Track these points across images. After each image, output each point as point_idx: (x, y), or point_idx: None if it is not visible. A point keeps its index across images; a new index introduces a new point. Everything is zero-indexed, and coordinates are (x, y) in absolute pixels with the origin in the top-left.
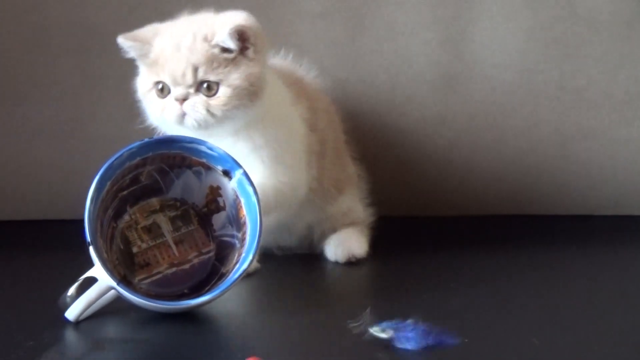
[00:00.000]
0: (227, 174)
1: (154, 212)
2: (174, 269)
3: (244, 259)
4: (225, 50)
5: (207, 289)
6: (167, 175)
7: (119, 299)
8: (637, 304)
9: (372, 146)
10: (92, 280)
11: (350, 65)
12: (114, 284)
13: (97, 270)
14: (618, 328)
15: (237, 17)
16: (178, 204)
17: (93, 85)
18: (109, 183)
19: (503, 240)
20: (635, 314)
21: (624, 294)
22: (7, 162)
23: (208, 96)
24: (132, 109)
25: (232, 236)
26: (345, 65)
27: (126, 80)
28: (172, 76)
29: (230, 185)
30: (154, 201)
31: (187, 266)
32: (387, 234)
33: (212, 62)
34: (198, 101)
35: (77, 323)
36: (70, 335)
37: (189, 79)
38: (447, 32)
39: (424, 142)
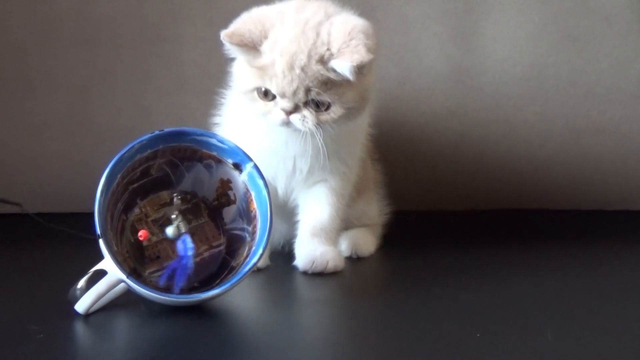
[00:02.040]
0: (237, 167)
1: (165, 205)
2: None
3: (254, 253)
4: (337, 73)
5: (217, 282)
6: (178, 168)
7: (128, 291)
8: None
9: (382, 140)
10: (102, 273)
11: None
12: (123, 276)
13: (107, 263)
14: (630, 322)
15: (359, 51)
16: (188, 197)
17: (103, 79)
18: (119, 176)
19: (513, 234)
20: (636, 309)
21: (635, 288)
22: (17, 155)
23: (317, 111)
24: (141, 102)
25: (243, 229)
26: None
27: (135, 74)
28: (281, 91)
29: (241, 179)
30: (165, 194)
31: (197, 259)
32: (398, 228)
33: (326, 83)
34: (308, 116)
35: (87, 316)
36: (80, 328)
37: (301, 97)
38: (458, 26)
39: (434, 135)
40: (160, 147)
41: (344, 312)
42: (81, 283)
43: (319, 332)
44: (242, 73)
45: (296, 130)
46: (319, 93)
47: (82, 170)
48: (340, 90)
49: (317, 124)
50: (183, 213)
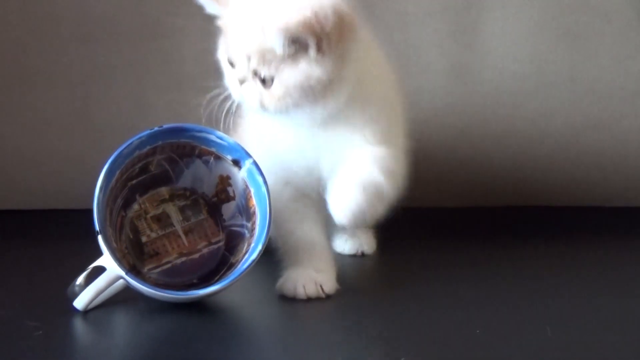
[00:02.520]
0: (236, 163)
1: (164, 201)
2: (183, 259)
3: (253, 249)
4: (282, 47)
5: (216, 278)
6: (177, 165)
7: (127, 288)
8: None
9: None
10: (101, 270)
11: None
12: (122, 273)
13: (106, 260)
14: (629, 318)
15: (298, 13)
16: (188, 193)
17: (102, 75)
18: (118, 172)
19: (513, 231)
20: (637, 305)
21: (635, 284)
22: (16, 151)
23: (264, 87)
24: (140, 98)
25: (242, 226)
26: None
27: (135, 70)
28: (230, 56)
29: (240, 175)
30: (164, 190)
31: (196, 256)
32: (396, 225)
33: (264, 55)
34: (252, 89)
35: (86, 312)
36: (79, 324)
37: (243, 66)
38: (458, 22)
39: (434, 132)
40: (159, 143)
41: (343, 308)
42: (80, 279)
43: (320, 327)
44: (220, 42)
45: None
46: (257, 64)
47: (81, 166)
48: (280, 66)
49: (261, 101)
50: (182, 209)
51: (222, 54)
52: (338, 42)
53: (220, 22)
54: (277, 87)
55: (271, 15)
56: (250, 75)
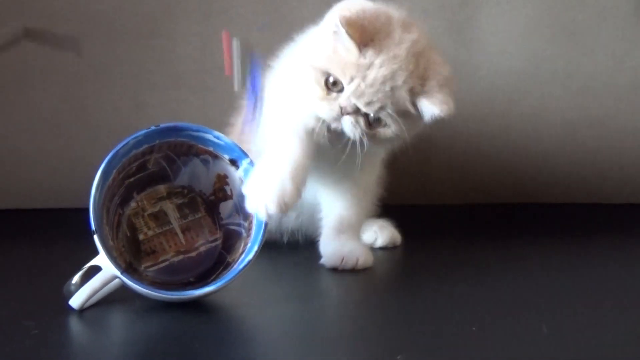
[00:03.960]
0: (234, 162)
1: (161, 199)
2: (180, 257)
3: (250, 249)
4: (417, 109)
5: (212, 278)
6: (174, 163)
7: (123, 287)
8: (635, 292)
9: None
10: (97, 269)
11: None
12: (117, 272)
13: (101, 259)
14: (626, 315)
15: (449, 102)
16: (185, 191)
17: (98, 74)
18: (115, 171)
19: (509, 228)
20: (632, 302)
21: (632, 281)
22: (13, 151)
23: (371, 125)
24: (137, 97)
25: (239, 225)
26: None
27: (131, 69)
28: (359, 94)
29: (237, 174)
30: (161, 188)
31: (193, 254)
32: (393, 223)
33: (399, 110)
34: (360, 124)
35: (82, 311)
36: (75, 323)
37: (371, 109)
38: (453, 19)
39: (430, 129)
40: (157, 142)
41: (341, 307)
42: (76, 278)
43: (316, 326)
44: (324, 51)
45: (337, 134)
46: (388, 114)
47: (78, 165)
48: (404, 120)
49: (364, 135)
50: (179, 207)
51: (319, 65)
52: None
53: (347, 53)
54: (385, 133)
55: (422, 84)
56: (361, 112)
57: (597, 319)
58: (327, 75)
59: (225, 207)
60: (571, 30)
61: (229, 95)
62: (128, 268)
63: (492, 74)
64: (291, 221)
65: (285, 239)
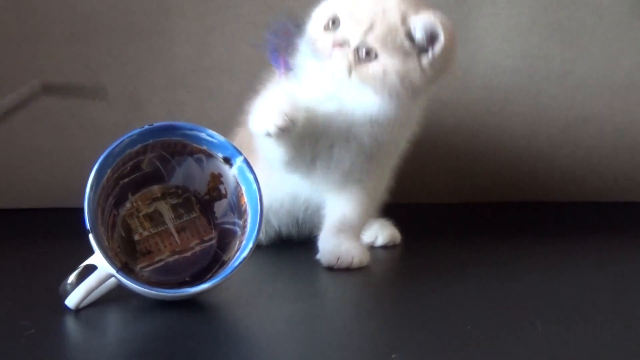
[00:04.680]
0: (227, 161)
1: (156, 199)
2: (175, 257)
3: (245, 247)
4: (409, 39)
5: (208, 276)
6: (169, 163)
7: (119, 286)
8: (638, 290)
9: None
10: (92, 268)
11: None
12: (113, 271)
13: (97, 258)
14: (621, 314)
15: (443, 17)
16: (180, 191)
17: (94, 73)
18: (109, 170)
19: (504, 227)
20: (637, 300)
21: (626, 281)
22: (7, 150)
23: (359, 60)
24: (133, 96)
25: (234, 223)
26: None
27: (127, 68)
28: (351, 20)
29: (231, 173)
30: (156, 189)
31: (188, 254)
32: (391, 221)
33: (387, 34)
34: (349, 56)
35: (77, 311)
36: (71, 323)
37: (352, 33)
38: (450, 18)
39: (425, 128)
40: (150, 141)
41: (337, 305)
42: (71, 278)
43: (312, 324)
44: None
45: (332, 78)
46: (380, 43)
47: (73, 165)
48: (399, 56)
49: (350, 69)
50: (174, 207)
51: (326, 10)
52: (446, 63)
53: None
54: (375, 66)
55: (413, 5)
56: (354, 44)
57: (594, 317)
58: (331, 17)
59: (220, 206)
60: (567, 29)
61: (226, 94)
62: (124, 268)
63: (488, 73)
64: (301, 212)
65: (293, 232)
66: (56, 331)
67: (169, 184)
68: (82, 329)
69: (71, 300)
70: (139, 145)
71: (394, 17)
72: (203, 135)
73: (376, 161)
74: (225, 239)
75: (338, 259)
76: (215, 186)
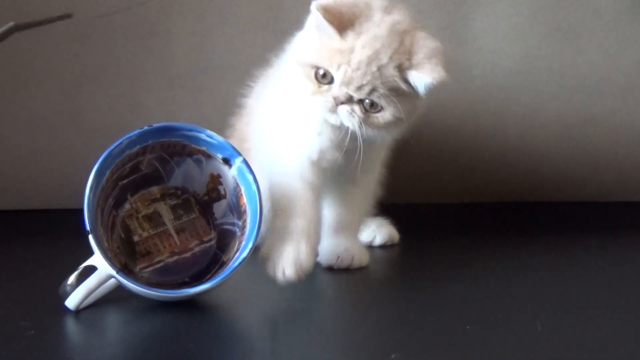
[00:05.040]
0: (227, 162)
1: (155, 200)
2: (175, 258)
3: (245, 247)
4: (409, 84)
5: (207, 277)
6: (168, 164)
7: (119, 287)
8: (637, 290)
9: None
10: (92, 269)
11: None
12: (113, 272)
13: (97, 259)
14: (618, 313)
15: (439, 70)
16: (179, 192)
17: (93, 74)
18: (108, 172)
19: (504, 226)
20: (635, 299)
21: (625, 280)
22: (7, 151)
23: (367, 112)
24: (132, 97)
25: (233, 224)
26: None
27: (126, 69)
28: (348, 80)
29: (231, 173)
30: (155, 190)
31: (188, 254)
32: (390, 221)
33: (391, 89)
34: (357, 111)
35: (78, 312)
36: (71, 324)
37: (363, 94)
38: (448, 18)
39: (425, 128)
40: (150, 142)
41: (337, 305)
42: (71, 279)
43: (311, 324)
44: (309, 46)
45: (336, 124)
46: (381, 96)
47: (73, 166)
48: (399, 100)
49: (362, 123)
50: (173, 208)
51: (310, 60)
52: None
53: (331, 40)
54: (384, 116)
55: (410, 59)
56: (355, 99)
57: (592, 316)
58: (316, 69)
59: (219, 207)
60: (566, 29)
61: (224, 95)
62: (123, 269)
63: (487, 73)
64: None
65: None
66: (56, 332)
67: (168, 185)
68: (82, 330)
69: (71, 301)
70: (138, 147)
71: (391, 73)
72: (202, 136)
73: (367, 158)
74: (225, 240)
75: (338, 258)
76: (215, 187)
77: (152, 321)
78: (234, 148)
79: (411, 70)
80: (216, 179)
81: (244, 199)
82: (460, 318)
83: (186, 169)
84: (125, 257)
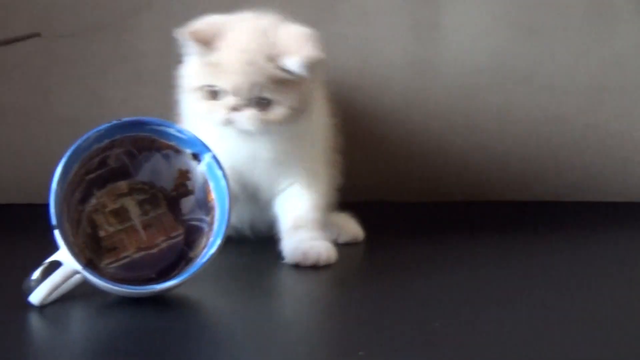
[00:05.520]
0: (196, 157)
1: (122, 195)
2: (141, 253)
3: (212, 244)
4: (289, 72)
5: (174, 273)
6: (136, 159)
7: (84, 283)
8: (599, 288)
9: (341, 131)
10: (57, 264)
11: (321, 50)
12: (79, 267)
13: (62, 254)
14: (579, 311)
15: (308, 49)
16: (146, 187)
17: (59, 68)
18: (76, 166)
19: (472, 225)
20: (597, 298)
21: (589, 277)
22: None
23: (260, 110)
24: (99, 92)
25: (201, 220)
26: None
27: (93, 64)
28: (233, 86)
29: (200, 169)
30: (122, 184)
31: (155, 250)
32: (358, 219)
33: (275, 82)
34: (251, 115)
35: (42, 307)
36: (35, 319)
37: (251, 94)
38: (417, 16)
39: (394, 127)
40: (118, 136)
41: (304, 303)
42: (36, 274)
43: (279, 322)
44: (192, 72)
45: (240, 131)
46: (266, 90)
47: (39, 160)
48: (286, 89)
49: (261, 121)
50: (141, 204)
51: (197, 83)
52: (321, 65)
53: (206, 59)
54: (278, 110)
55: (279, 47)
56: (247, 102)
57: (560, 314)
58: (204, 88)
59: (187, 203)
60: (534, 29)
61: None
62: (89, 264)
63: (456, 72)
64: (247, 215)
65: (248, 232)
66: (20, 328)
67: (136, 179)
68: (46, 326)
69: (36, 297)
70: (107, 141)
71: (268, 67)
72: (172, 130)
73: (297, 143)
74: (192, 236)
75: (304, 255)
76: (183, 182)
77: (118, 317)
78: (203, 143)
79: (282, 57)
80: (184, 175)
81: (213, 195)
82: (429, 316)
83: (154, 164)
84: (91, 252)
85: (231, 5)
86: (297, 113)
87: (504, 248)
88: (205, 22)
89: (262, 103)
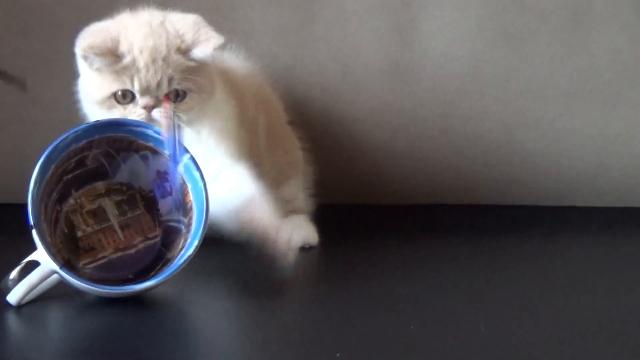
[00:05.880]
0: (174, 158)
1: (100, 196)
2: (119, 254)
3: (190, 245)
4: (197, 60)
5: (151, 274)
6: (114, 159)
7: (62, 283)
8: (570, 292)
9: (319, 134)
10: (35, 264)
11: (299, 52)
12: (56, 267)
13: (40, 254)
14: (558, 315)
15: (212, 36)
16: (124, 188)
17: (37, 68)
18: (53, 166)
19: (447, 229)
20: (569, 298)
21: (564, 282)
22: None
23: (175, 102)
24: (75, 93)
25: (179, 221)
26: (293, 52)
27: (71, 63)
28: (146, 84)
29: (177, 170)
30: (100, 185)
31: (132, 251)
32: (333, 222)
33: (185, 72)
34: (170, 108)
35: (19, 307)
36: (12, 319)
37: (164, 88)
38: (396, 20)
39: (371, 130)
40: (96, 137)
41: (277, 304)
42: (13, 274)
43: (256, 321)
44: (96, 83)
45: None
46: (179, 82)
47: (16, 160)
48: (197, 76)
49: (179, 113)
50: (118, 204)
51: (106, 92)
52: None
53: (113, 67)
54: (191, 97)
55: (184, 38)
56: (160, 97)
57: (533, 317)
58: (114, 95)
59: (165, 204)
60: (511, 34)
61: None
62: (66, 264)
63: (433, 76)
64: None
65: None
66: None
67: (114, 180)
68: (23, 326)
69: (13, 297)
70: (84, 141)
71: (176, 59)
72: (150, 132)
73: (217, 152)
74: (170, 237)
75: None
76: (161, 183)
77: (95, 317)
78: (181, 145)
79: (193, 50)
80: (162, 176)
81: (191, 196)
82: (405, 319)
83: (132, 164)
84: (68, 252)
85: (210, 4)
86: (207, 97)
87: (479, 251)
88: (95, 33)
89: (177, 95)
